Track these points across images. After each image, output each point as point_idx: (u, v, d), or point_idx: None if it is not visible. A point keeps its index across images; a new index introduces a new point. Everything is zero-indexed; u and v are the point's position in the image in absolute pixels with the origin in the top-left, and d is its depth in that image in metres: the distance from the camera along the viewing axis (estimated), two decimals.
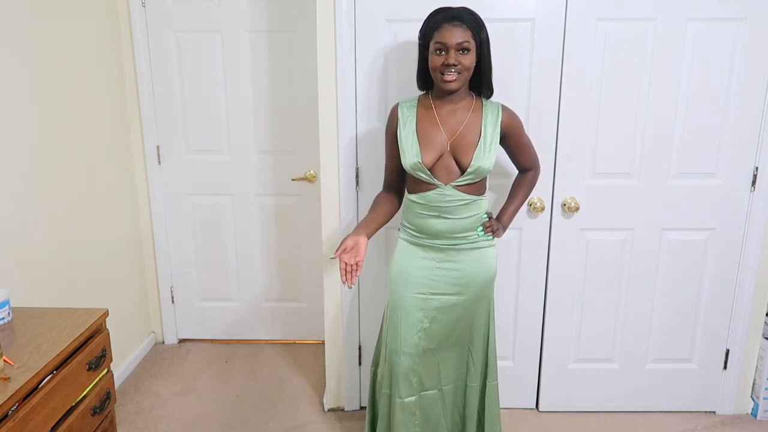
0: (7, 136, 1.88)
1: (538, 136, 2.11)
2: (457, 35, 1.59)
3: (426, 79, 1.75)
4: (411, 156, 1.70)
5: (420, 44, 1.71)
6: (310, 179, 2.78)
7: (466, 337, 1.85)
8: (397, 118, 1.75)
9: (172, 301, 2.98)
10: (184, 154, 2.78)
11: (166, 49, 2.65)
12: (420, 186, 1.73)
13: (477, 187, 1.74)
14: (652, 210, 2.19)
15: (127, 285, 2.73)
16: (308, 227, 2.86)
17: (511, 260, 2.25)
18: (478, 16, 1.65)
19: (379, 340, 1.97)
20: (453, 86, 1.64)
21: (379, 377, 1.94)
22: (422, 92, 1.81)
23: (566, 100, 2.09)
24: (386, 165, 1.86)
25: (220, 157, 2.78)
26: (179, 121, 2.74)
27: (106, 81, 2.50)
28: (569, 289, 2.28)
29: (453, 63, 1.60)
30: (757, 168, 2.14)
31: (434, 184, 1.71)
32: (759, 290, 2.26)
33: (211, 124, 2.74)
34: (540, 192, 2.17)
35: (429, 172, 1.69)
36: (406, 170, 1.74)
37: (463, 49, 1.60)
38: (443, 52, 1.61)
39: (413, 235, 1.80)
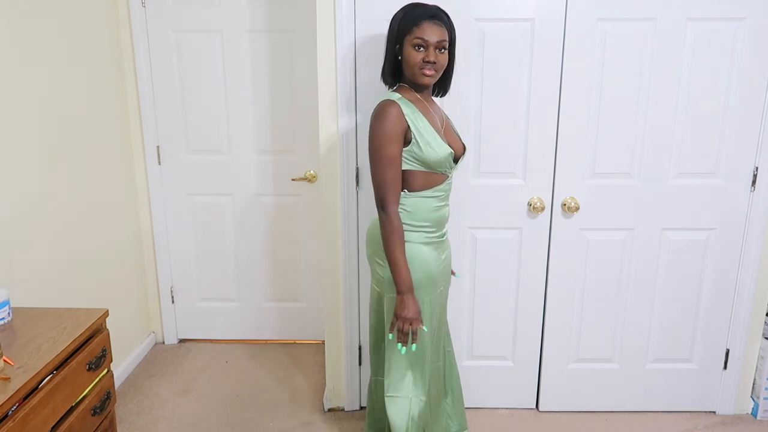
0: (7, 136, 1.88)
1: (538, 136, 2.12)
2: (438, 34, 1.58)
3: (395, 73, 1.71)
4: (442, 149, 1.63)
5: (392, 37, 1.65)
6: (310, 179, 2.78)
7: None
8: (405, 115, 1.61)
9: (172, 301, 2.98)
10: (184, 154, 2.78)
11: (166, 49, 2.65)
12: (432, 180, 1.67)
13: None
14: (652, 210, 2.19)
15: (127, 285, 2.73)
16: (308, 227, 2.86)
17: (511, 260, 2.25)
18: (450, 18, 1.66)
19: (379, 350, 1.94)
20: (430, 81, 1.62)
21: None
22: (391, 87, 1.74)
23: (566, 100, 2.08)
24: (391, 173, 1.61)
25: (220, 157, 2.78)
26: (179, 121, 2.74)
27: (106, 81, 2.50)
28: (569, 289, 2.28)
29: (433, 60, 1.59)
30: (757, 168, 2.14)
31: (446, 174, 1.70)
32: (759, 290, 2.26)
33: (211, 124, 2.74)
34: (540, 192, 2.17)
35: (453, 162, 1.71)
36: (427, 167, 1.64)
37: (441, 48, 1.61)
38: (422, 49, 1.58)
39: (430, 234, 1.71)
